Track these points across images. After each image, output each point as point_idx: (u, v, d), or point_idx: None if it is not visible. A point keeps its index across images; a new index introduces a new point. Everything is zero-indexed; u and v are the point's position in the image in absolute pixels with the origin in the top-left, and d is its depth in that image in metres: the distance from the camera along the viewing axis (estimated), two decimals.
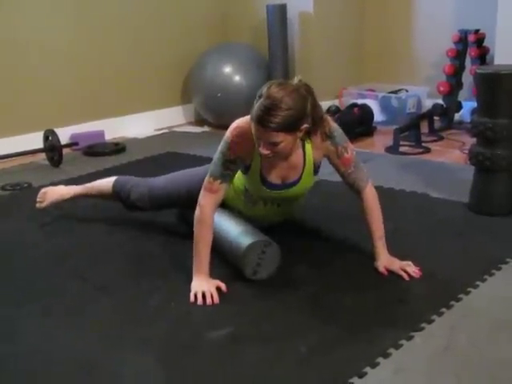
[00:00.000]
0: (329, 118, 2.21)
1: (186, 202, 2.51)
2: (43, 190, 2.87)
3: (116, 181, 2.74)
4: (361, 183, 2.26)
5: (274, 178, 2.27)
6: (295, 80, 2.05)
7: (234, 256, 2.24)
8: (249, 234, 2.26)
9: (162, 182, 2.64)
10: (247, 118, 2.11)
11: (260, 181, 2.27)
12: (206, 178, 2.19)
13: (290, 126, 1.99)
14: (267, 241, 2.22)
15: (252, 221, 2.37)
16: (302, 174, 2.27)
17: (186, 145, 4.21)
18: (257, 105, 1.98)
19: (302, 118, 2.01)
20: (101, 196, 2.80)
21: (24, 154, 3.91)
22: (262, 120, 1.96)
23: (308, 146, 2.21)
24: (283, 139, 2.01)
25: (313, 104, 2.04)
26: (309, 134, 2.14)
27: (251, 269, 2.19)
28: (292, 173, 2.26)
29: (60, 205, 2.87)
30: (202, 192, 2.19)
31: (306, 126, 2.04)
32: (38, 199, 2.86)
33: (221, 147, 2.19)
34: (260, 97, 1.99)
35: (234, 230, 2.29)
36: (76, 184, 2.94)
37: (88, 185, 2.85)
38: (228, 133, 2.18)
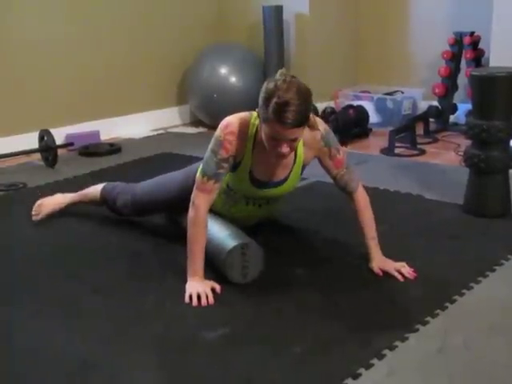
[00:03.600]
0: (320, 120, 2.20)
1: (168, 207, 2.53)
2: (38, 202, 2.85)
3: (103, 188, 2.74)
4: (352, 184, 2.27)
5: (263, 176, 2.25)
6: (281, 75, 1.96)
7: (219, 266, 2.20)
8: (226, 240, 2.20)
9: (144, 188, 2.62)
10: (237, 115, 2.09)
11: (248, 178, 2.25)
12: (199, 178, 2.16)
13: (306, 119, 1.98)
14: (243, 243, 2.17)
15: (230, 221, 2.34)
16: (290, 173, 2.26)
17: (182, 146, 4.20)
18: (271, 105, 1.92)
19: (310, 109, 2.00)
20: (92, 203, 2.81)
21: (19, 155, 3.90)
22: (282, 118, 1.91)
23: (300, 146, 2.19)
24: (300, 133, 2.00)
25: None
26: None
27: (240, 275, 2.17)
28: (281, 171, 2.25)
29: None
30: (194, 192, 2.16)
31: (311, 115, 2.03)
32: (33, 212, 2.83)
33: (212, 146, 2.15)
34: (268, 97, 1.93)
35: (214, 238, 2.23)
36: (71, 186, 2.95)
37: (81, 192, 2.86)
38: (219, 131, 2.14)
